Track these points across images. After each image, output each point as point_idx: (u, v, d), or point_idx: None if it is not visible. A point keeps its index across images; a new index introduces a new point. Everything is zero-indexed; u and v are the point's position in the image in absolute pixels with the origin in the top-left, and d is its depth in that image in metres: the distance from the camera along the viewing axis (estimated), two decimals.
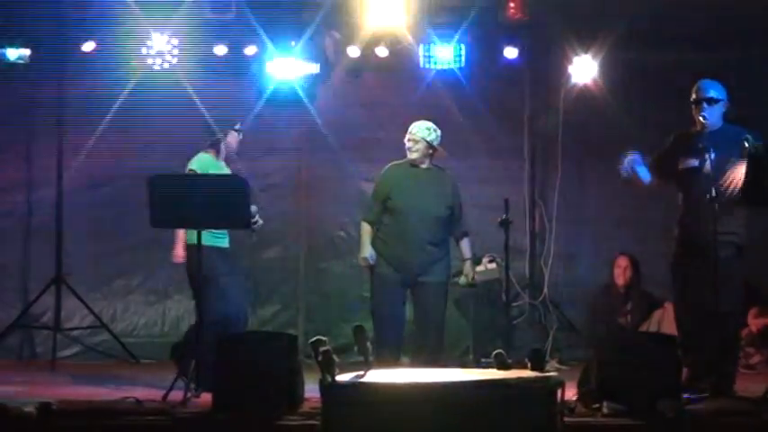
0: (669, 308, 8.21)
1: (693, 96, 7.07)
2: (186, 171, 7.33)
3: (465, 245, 7.80)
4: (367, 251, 7.59)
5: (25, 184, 9.49)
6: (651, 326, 8.90)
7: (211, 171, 7.37)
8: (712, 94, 7.02)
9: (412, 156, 7.64)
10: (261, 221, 7.37)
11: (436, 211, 7.58)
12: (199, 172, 7.30)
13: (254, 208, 7.22)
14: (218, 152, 7.52)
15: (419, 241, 7.55)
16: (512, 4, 8.93)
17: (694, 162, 7.00)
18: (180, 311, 9.41)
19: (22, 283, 9.40)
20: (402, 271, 7.57)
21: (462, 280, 7.84)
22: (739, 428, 6.04)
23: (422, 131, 7.64)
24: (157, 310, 9.56)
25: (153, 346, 9.28)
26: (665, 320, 8.79)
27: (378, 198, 7.68)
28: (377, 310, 7.65)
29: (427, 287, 7.59)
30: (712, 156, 6.85)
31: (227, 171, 7.52)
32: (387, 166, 7.81)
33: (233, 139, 7.61)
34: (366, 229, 7.67)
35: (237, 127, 7.59)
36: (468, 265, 7.80)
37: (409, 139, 7.65)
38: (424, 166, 7.67)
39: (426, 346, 7.62)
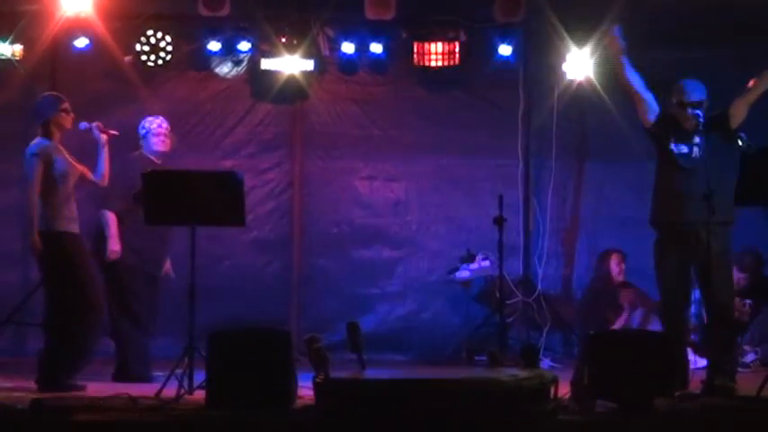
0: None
1: (680, 99, 7.01)
2: (28, 156, 7.21)
3: None
4: (118, 243, 7.62)
5: (20, 180, 9.44)
6: (636, 320, 9.02)
7: (53, 155, 7.20)
8: (699, 97, 6.99)
9: (165, 149, 7.88)
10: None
11: None
12: (39, 156, 7.17)
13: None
14: (48, 135, 7.28)
15: (169, 234, 7.79)
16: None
17: (684, 149, 6.98)
18: (173, 309, 9.31)
19: (15, 280, 9.36)
20: (149, 264, 7.76)
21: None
22: (733, 426, 5.98)
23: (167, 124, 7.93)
24: None
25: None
26: (649, 316, 8.93)
27: (132, 189, 7.62)
28: (132, 302, 7.72)
29: (160, 280, 7.89)
30: (698, 152, 6.92)
31: (65, 155, 7.35)
32: (133, 158, 7.87)
33: (63, 119, 7.30)
34: (114, 219, 7.68)
35: (84, 126, 7.48)
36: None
37: (164, 134, 7.89)
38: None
39: (152, 334, 7.91)
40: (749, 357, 8.68)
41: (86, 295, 7.16)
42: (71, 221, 7.25)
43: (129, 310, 7.79)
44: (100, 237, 7.77)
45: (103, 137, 7.48)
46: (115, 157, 7.81)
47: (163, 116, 8.12)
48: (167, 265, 8.03)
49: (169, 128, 8.02)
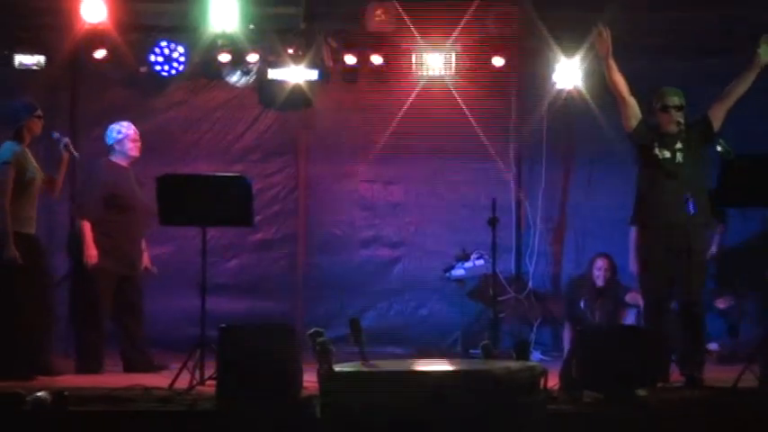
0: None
1: (664, 103, 7.19)
2: None
3: None
4: (94, 249, 7.87)
5: None
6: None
7: (24, 161, 7.45)
8: (682, 101, 7.21)
9: (137, 154, 8.07)
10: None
11: (147, 205, 7.97)
12: (11, 164, 7.38)
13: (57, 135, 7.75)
14: (20, 139, 7.53)
15: (140, 235, 8.07)
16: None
17: (667, 154, 7.15)
18: (181, 303, 9.10)
19: None
20: (121, 266, 7.99)
21: None
22: (714, 418, 6.13)
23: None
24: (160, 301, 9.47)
25: (158, 335, 9.10)
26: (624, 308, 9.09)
27: (103, 194, 7.93)
28: (100, 303, 7.97)
29: (136, 278, 8.12)
30: (680, 156, 7.11)
31: (33, 159, 7.60)
32: (100, 164, 8.06)
33: (35, 124, 7.65)
34: (88, 227, 7.90)
35: (55, 136, 7.82)
36: None
37: (135, 139, 8.07)
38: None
39: (140, 335, 8.13)
40: (711, 346, 8.67)
41: (30, 294, 7.42)
42: (28, 222, 7.45)
43: (92, 310, 7.98)
44: (76, 240, 8.00)
45: (66, 154, 7.72)
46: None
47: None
48: (145, 262, 8.21)
49: (135, 132, 8.14)
